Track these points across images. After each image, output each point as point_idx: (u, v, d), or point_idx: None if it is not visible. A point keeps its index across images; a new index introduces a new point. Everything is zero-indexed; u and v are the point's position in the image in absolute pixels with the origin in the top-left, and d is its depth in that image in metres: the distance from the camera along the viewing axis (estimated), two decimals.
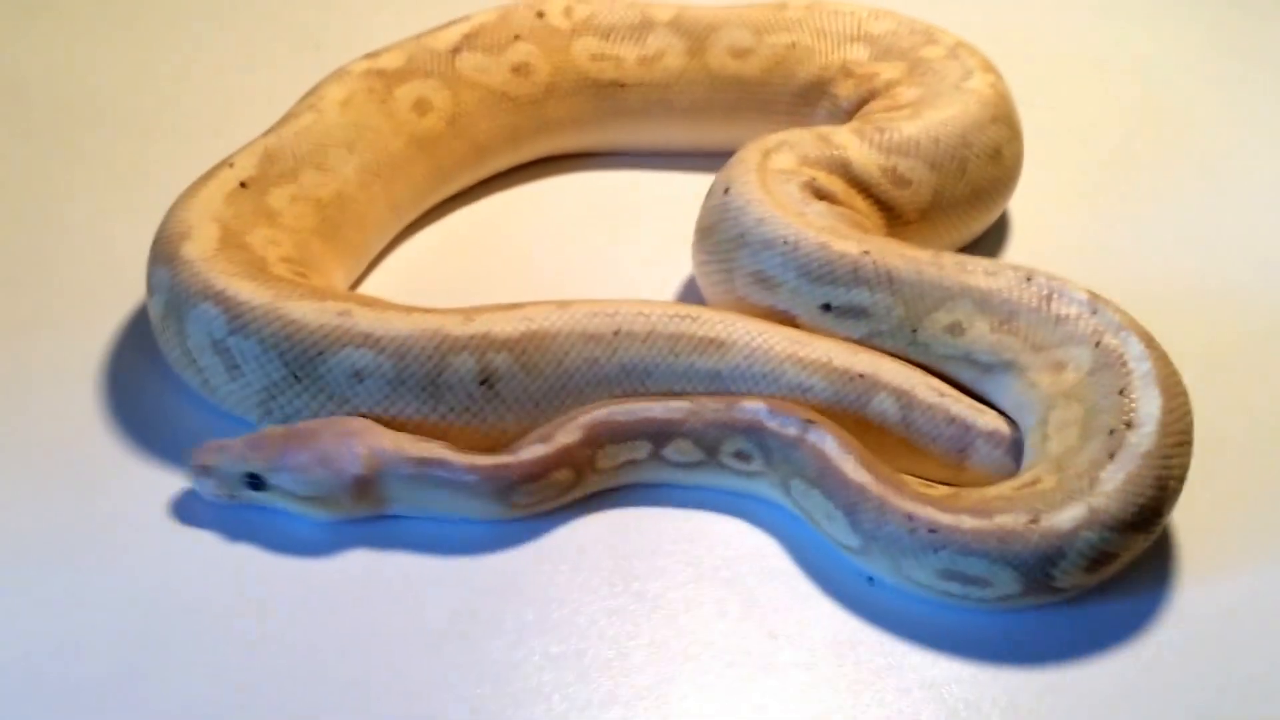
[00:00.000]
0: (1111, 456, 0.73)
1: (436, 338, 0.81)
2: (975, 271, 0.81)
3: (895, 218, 0.92)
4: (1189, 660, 0.74)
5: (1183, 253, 1.02)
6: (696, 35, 1.08)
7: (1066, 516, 0.72)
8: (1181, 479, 0.75)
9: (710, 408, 0.79)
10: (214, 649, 0.74)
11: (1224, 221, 1.05)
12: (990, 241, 1.00)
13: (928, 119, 0.95)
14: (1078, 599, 0.76)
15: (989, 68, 1.01)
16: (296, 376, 0.81)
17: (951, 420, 0.80)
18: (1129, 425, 0.74)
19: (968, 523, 0.72)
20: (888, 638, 0.75)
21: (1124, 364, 0.76)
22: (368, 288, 0.99)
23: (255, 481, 0.78)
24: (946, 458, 0.80)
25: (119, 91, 1.21)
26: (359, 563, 0.78)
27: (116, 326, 0.94)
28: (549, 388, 0.81)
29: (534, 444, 0.78)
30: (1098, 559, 0.72)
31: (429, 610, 0.76)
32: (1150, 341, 0.77)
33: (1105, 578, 0.75)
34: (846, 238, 0.83)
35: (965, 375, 0.81)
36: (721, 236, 0.88)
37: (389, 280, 1.00)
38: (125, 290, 0.96)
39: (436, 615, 0.76)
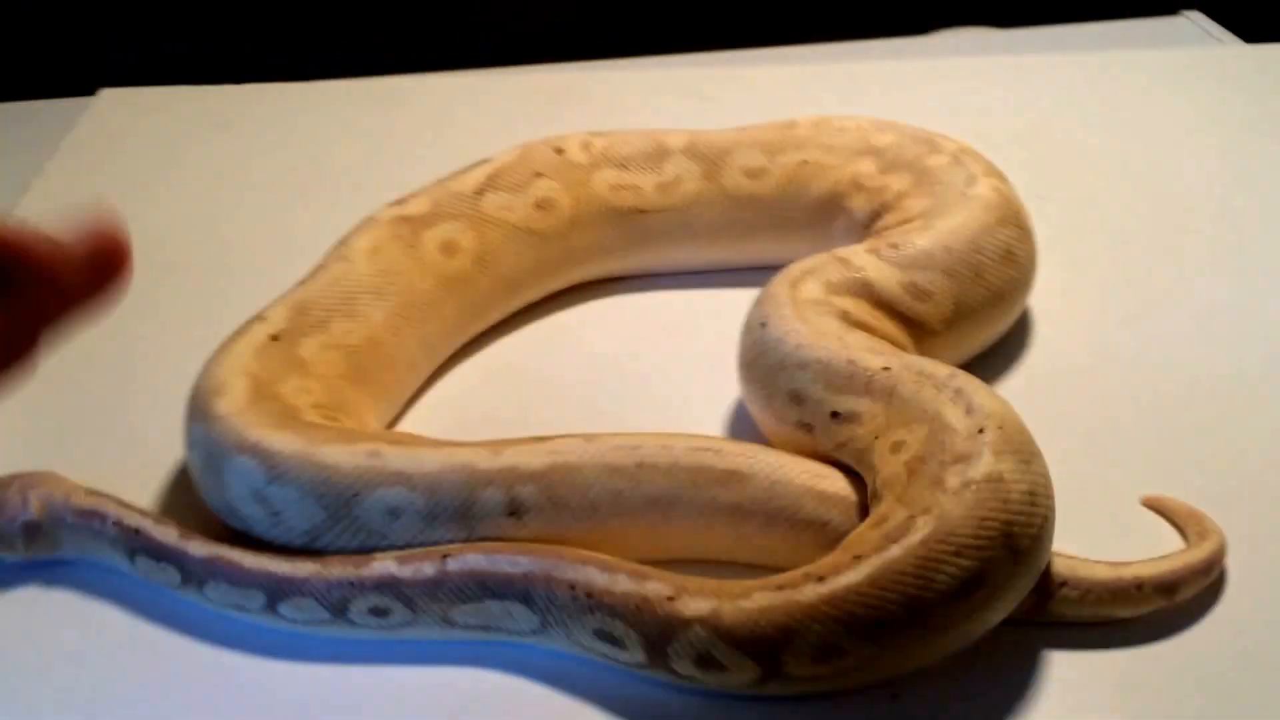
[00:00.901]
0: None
1: (465, 472, 0.82)
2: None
3: (923, 332, 0.93)
4: None
5: (1204, 344, 1.02)
6: (711, 159, 1.11)
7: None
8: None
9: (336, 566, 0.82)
10: None
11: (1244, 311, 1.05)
12: (1015, 339, 1.01)
13: (938, 229, 0.96)
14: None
15: (991, 171, 1.03)
16: (335, 518, 0.83)
17: None
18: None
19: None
20: None
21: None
22: (405, 426, 1.00)
23: None
24: None
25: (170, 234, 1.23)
26: None
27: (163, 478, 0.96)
28: (575, 519, 0.82)
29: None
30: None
31: None
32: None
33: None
34: (876, 353, 0.85)
35: None
36: (762, 367, 0.90)
37: (428, 417, 1.01)
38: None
39: None
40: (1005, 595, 0.74)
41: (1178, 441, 0.93)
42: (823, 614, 0.72)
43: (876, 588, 0.72)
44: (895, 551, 0.73)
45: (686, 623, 0.74)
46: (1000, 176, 1.02)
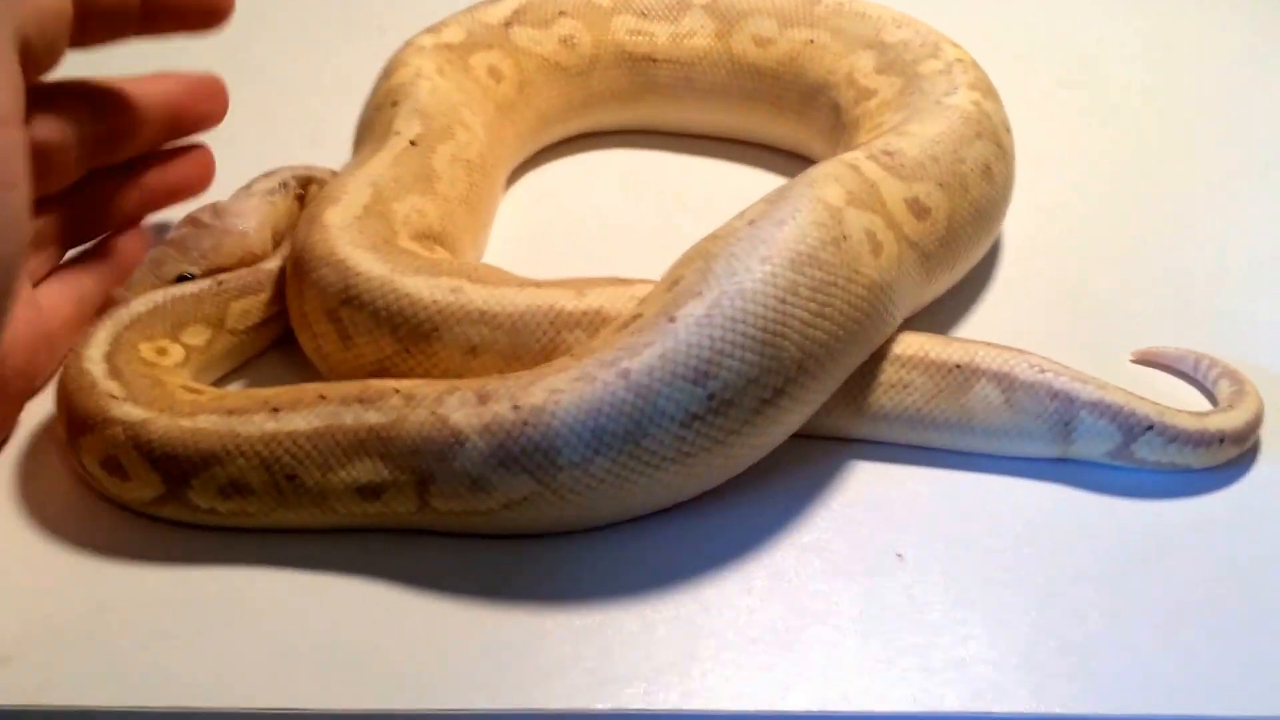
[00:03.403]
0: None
1: (550, 314, 0.86)
2: None
3: (918, 253, 0.90)
4: None
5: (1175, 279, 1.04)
6: (727, 19, 1.14)
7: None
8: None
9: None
10: None
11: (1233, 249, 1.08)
12: (983, 268, 1.03)
13: (920, 137, 0.94)
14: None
15: (976, 85, 1.01)
16: (409, 351, 0.86)
17: (1054, 395, 0.84)
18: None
19: None
20: (915, 615, 0.77)
21: None
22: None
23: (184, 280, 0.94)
24: (1053, 435, 0.85)
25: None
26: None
27: None
28: None
29: None
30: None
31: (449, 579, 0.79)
32: None
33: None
34: None
35: None
36: None
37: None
38: None
39: (464, 583, 0.79)
40: None
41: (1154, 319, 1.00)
42: (252, 452, 0.79)
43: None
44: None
45: (110, 422, 0.80)
46: (986, 92, 1.01)
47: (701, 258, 0.83)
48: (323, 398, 0.80)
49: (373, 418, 0.79)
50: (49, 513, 0.84)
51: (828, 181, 0.87)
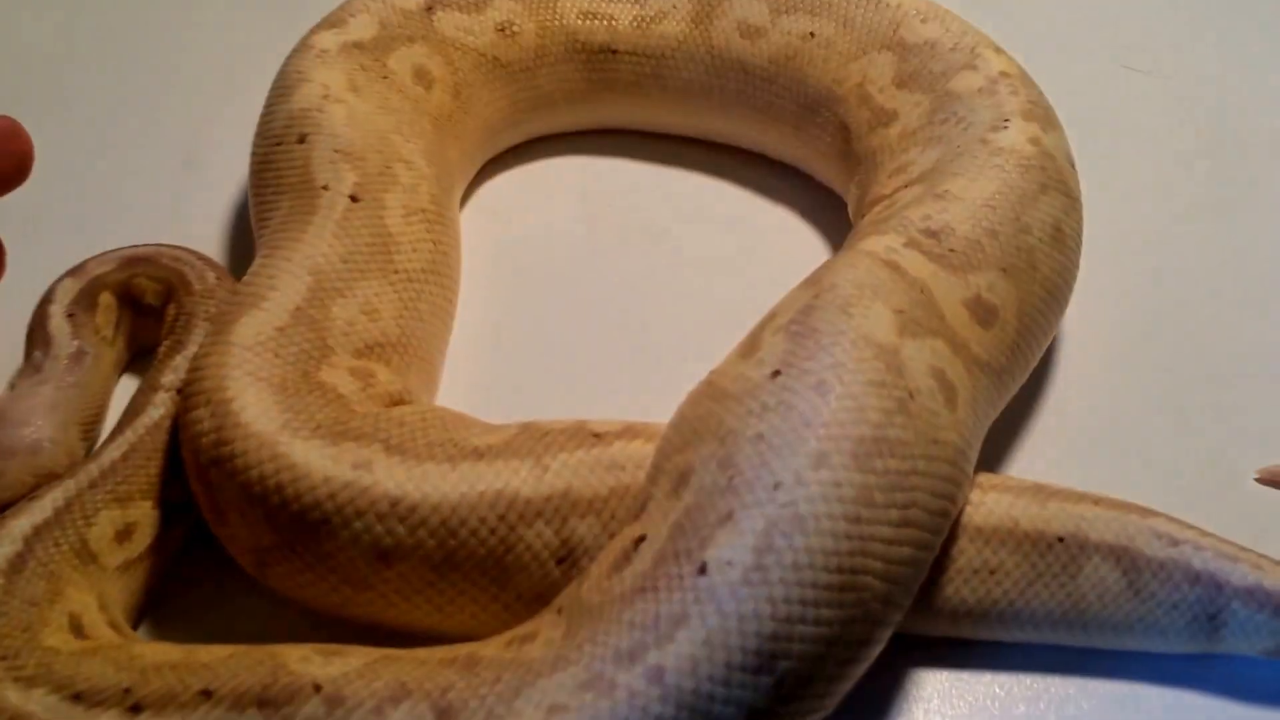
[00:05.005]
0: None
1: (498, 504, 0.62)
2: None
3: (995, 376, 0.68)
4: None
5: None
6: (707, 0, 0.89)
7: None
8: None
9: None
10: None
11: None
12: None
13: (968, 201, 0.71)
14: None
15: (1032, 112, 0.77)
16: (293, 549, 0.63)
17: (1194, 579, 0.64)
18: None
19: None
20: None
21: None
22: None
23: None
24: (1192, 630, 0.65)
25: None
26: None
27: None
28: None
29: None
30: None
31: None
32: None
33: None
34: None
35: None
36: None
37: None
38: None
39: None
40: None
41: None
42: None
43: None
44: None
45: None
46: (1044, 121, 0.78)
47: (715, 438, 0.60)
48: (207, 694, 0.57)
49: None
50: None
51: (867, 301, 0.64)
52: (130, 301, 0.78)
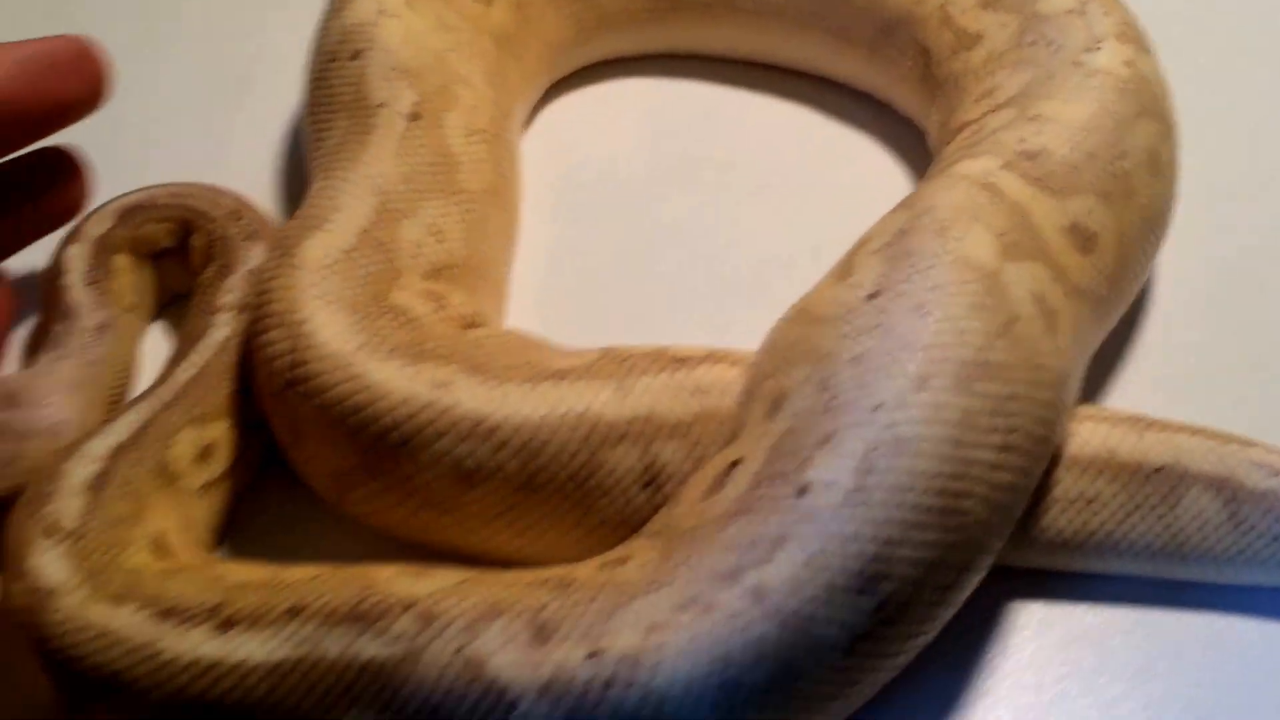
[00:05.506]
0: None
1: (582, 426, 0.60)
2: None
3: (1094, 305, 0.65)
4: None
5: None
6: None
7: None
8: None
9: None
10: None
11: None
12: None
13: (1064, 123, 0.69)
14: None
15: (1125, 33, 0.74)
16: (373, 470, 0.62)
17: None
18: None
19: None
20: None
21: None
22: None
23: None
24: None
25: None
26: None
27: None
28: None
29: None
30: None
31: None
32: None
33: None
34: None
35: None
36: None
37: None
38: None
39: None
40: None
41: None
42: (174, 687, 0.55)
43: None
44: None
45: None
46: (1138, 43, 0.75)
47: (810, 362, 0.58)
48: (297, 611, 0.55)
49: (370, 650, 0.53)
50: None
51: (965, 223, 0.62)
52: (146, 253, 0.75)
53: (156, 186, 0.77)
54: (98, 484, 0.61)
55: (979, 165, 0.67)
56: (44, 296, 0.73)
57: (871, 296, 0.59)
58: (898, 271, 0.60)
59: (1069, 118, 0.69)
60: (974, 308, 0.58)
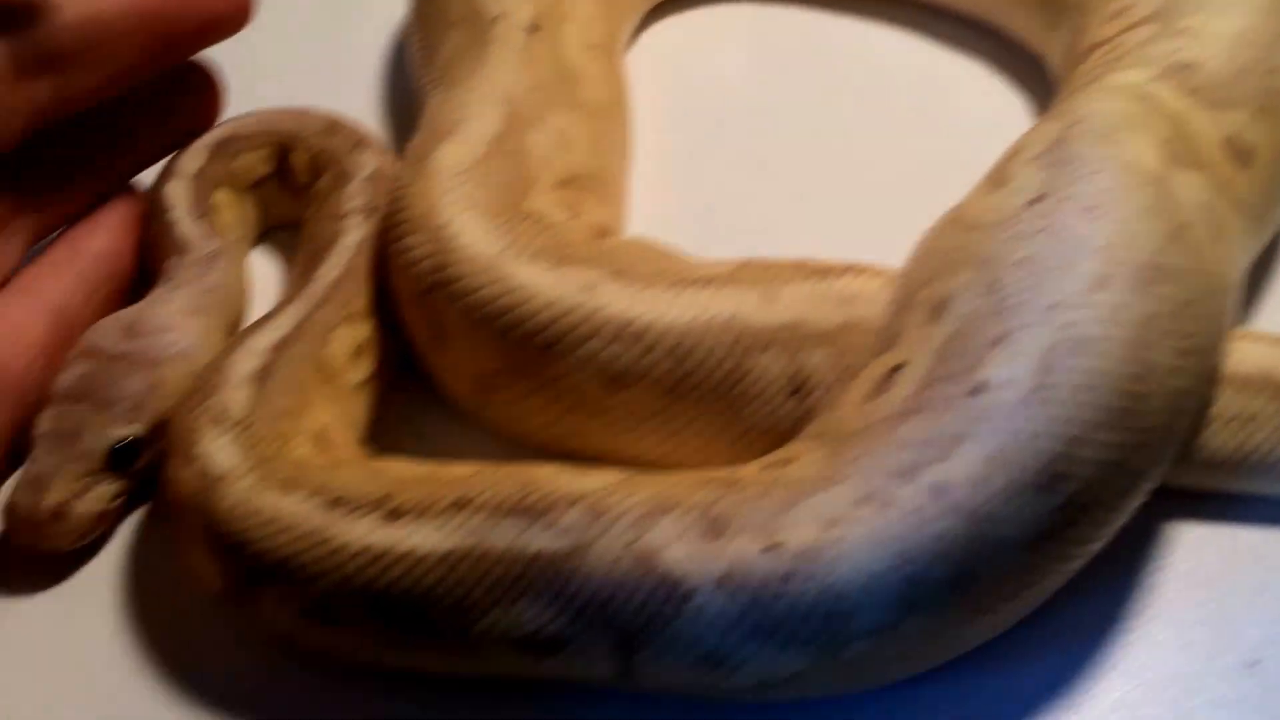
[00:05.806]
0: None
1: (730, 330, 0.59)
2: None
3: (1252, 221, 0.64)
4: None
5: None
6: None
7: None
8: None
9: None
10: None
11: None
12: None
13: (1217, 35, 0.67)
14: None
15: None
16: (520, 372, 0.61)
17: None
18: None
19: None
20: None
21: None
22: None
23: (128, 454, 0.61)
24: None
25: None
26: None
27: None
28: None
29: None
30: None
31: None
32: None
33: None
34: None
35: None
36: None
37: None
38: None
39: None
40: None
41: None
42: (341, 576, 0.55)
43: None
44: None
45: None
46: None
47: (972, 266, 0.57)
48: (463, 504, 0.54)
49: (539, 542, 0.52)
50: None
51: (1128, 129, 0.60)
52: (245, 185, 0.74)
53: (240, 117, 0.75)
54: (261, 377, 0.60)
55: (1129, 76, 0.65)
56: (147, 236, 0.71)
57: (1033, 202, 0.58)
58: (1062, 176, 0.59)
59: (1220, 30, 0.68)
60: (1146, 211, 0.57)
